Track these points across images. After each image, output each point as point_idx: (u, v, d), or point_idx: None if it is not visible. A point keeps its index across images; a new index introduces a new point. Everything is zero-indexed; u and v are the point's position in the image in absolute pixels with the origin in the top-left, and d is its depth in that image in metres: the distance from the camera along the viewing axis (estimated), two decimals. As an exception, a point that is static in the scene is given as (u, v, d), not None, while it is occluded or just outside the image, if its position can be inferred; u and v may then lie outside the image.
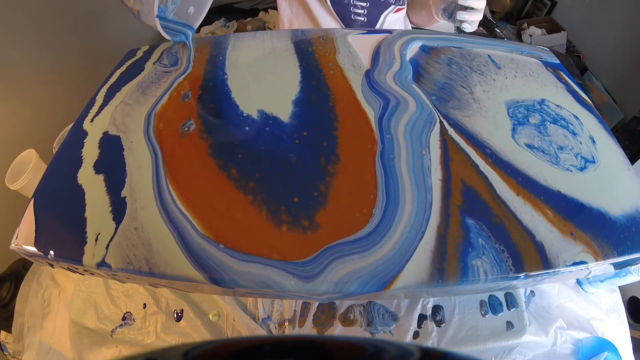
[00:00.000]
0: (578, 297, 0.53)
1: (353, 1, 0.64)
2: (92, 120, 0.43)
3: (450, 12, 0.55)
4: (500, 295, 0.49)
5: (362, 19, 0.66)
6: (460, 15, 0.53)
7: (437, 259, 0.31)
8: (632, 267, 0.42)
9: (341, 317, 0.48)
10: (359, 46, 0.50)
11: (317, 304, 0.50)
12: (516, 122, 0.41)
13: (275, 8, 0.74)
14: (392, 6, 0.65)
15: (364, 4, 0.64)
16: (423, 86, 0.45)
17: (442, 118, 0.41)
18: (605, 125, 0.43)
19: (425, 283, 0.30)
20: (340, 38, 0.52)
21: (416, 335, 0.47)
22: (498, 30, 1.52)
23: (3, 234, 0.45)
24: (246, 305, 0.50)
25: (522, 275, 0.31)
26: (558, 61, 0.52)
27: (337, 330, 0.48)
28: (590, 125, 0.43)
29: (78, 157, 0.39)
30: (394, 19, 0.68)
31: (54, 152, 0.44)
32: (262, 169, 0.36)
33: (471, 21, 0.53)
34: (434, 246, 0.31)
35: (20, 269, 0.64)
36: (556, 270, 0.31)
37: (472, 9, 0.52)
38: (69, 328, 0.51)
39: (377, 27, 0.67)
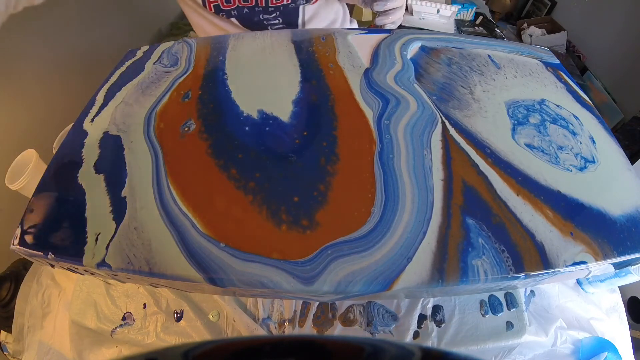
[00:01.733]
0: (578, 297, 0.53)
1: (263, 16, 0.64)
2: (92, 120, 0.43)
3: (370, 4, 0.55)
4: (500, 295, 0.49)
5: (281, 26, 0.67)
6: (380, 20, 0.53)
7: (437, 259, 0.31)
8: (632, 267, 0.42)
9: (341, 317, 0.48)
10: (359, 46, 0.50)
11: (317, 304, 0.50)
12: (516, 122, 0.41)
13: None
14: (302, 5, 0.65)
15: (274, 15, 0.65)
16: (423, 86, 0.45)
17: (443, 118, 0.41)
18: (605, 125, 0.43)
19: (426, 283, 0.30)
20: (340, 38, 0.52)
21: (416, 335, 0.47)
22: (498, 30, 1.52)
23: (3, 234, 0.46)
24: (246, 305, 0.50)
25: (522, 275, 0.31)
26: (558, 61, 0.52)
27: (337, 330, 0.48)
28: (590, 125, 0.43)
29: (78, 157, 0.39)
30: (314, 9, 0.67)
31: (54, 152, 0.44)
32: (262, 169, 0.36)
33: (391, 23, 0.54)
34: (435, 246, 0.31)
35: (20, 269, 0.64)
36: (556, 270, 0.31)
37: (391, 10, 0.52)
38: (69, 328, 0.51)
39: (300, 26, 0.67)
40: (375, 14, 0.55)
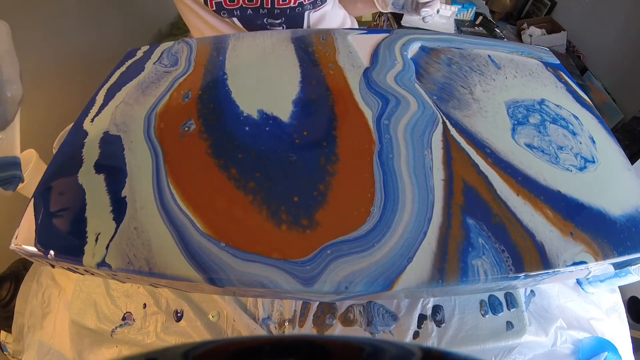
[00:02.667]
0: (578, 297, 0.53)
1: (267, 20, 0.63)
2: (92, 120, 0.43)
3: (401, 4, 0.60)
4: (500, 295, 0.49)
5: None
6: (425, 12, 0.58)
7: (438, 259, 0.31)
8: (632, 267, 0.42)
9: (341, 317, 0.48)
10: (359, 46, 0.50)
11: (317, 303, 0.50)
12: (516, 122, 0.41)
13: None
14: (308, 11, 0.64)
15: (279, 21, 0.64)
16: (424, 86, 0.45)
17: (444, 118, 0.41)
18: (605, 125, 0.43)
19: (426, 283, 0.30)
20: (340, 38, 0.52)
21: (416, 335, 0.47)
22: (498, 31, 1.52)
23: (3, 234, 0.45)
24: (246, 305, 0.50)
25: (522, 275, 0.31)
26: (558, 61, 0.52)
27: (337, 330, 0.48)
28: (590, 125, 0.43)
29: (78, 157, 0.39)
30: (319, 16, 0.67)
31: (54, 152, 0.44)
32: (262, 169, 0.36)
33: (432, 13, 0.58)
34: (435, 247, 0.31)
35: (20, 269, 0.64)
36: (556, 270, 0.31)
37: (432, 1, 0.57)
38: (69, 328, 0.51)
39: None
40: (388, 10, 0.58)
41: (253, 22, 0.63)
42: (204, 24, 0.66)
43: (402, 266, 0.30)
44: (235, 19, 0.63)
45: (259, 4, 0.61)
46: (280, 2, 0.61)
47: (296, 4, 0.62)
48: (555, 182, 0.36)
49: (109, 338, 0.49)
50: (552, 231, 0.33)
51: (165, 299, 0.51)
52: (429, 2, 0.57)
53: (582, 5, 1.68)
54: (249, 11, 0.62)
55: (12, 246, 0.34)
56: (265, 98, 0.43)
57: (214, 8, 0.61)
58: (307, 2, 0.62)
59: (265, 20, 0.63)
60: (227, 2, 0.60)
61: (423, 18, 0.59)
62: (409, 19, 1.40)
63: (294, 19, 0.64)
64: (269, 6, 0.61)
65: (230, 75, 0.46)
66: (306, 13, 0.64)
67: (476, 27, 1.52)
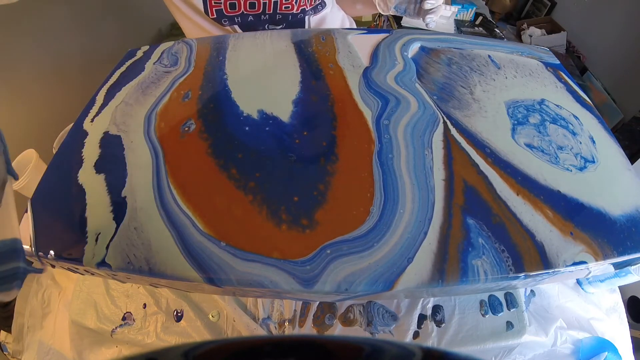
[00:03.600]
0: (578, 297, 0.53)
1: (268, 26, 0.63)
2: (92, 120, 0.43)
3: (404, 9, 0.60)
4: (500, 295, 0.49)
5: None
6: (430, 19, 0.58)
7: (438, 259, 0.31)
8: (632, 267, 0.42)
9: (341, 317, 0.48)
10: (359, 46, 0.50)
11: (317, 303, 0.50)
12: (516, 122, 0.41)
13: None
14: (309, 15, 0.64)
15: (281, 26, 0.63)
16: (424, 86, 0.45)
17: (445, 118, 0.41)
18: (605, 125, 0.43)
19: (426, 283, 0.30)
20: (340, 38, 0.52)
21: (416, 335, 0.47)
22: (498, 31, 1.52)
23: (3, 234, 0.45)
24: (246, 305, 0.50)
25: (522, 275, 0.31)
26: (558, 62, 0.52)
27: (337, 330, 0.48)
28: (590, 125, 0.43)
29: (78, 157, 0.39)
30: (319, 19, 0.67)
31: (54, 152, 0.44)
32: (262, 169, 0.36)
33: (436, 19, 0.59)
34: (436, 247, 0.31)
35: (20, 269, 0.64)
36: (556, 270, 0.31)
37: (436, 8, 0.57)
38: (69, 328, 0.51)
39: None
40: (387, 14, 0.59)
41: (254, 28, 0.63)
42: (202, 32, 0.64)
43: (403, 266, 0.30)
44: (236, 26, 0.62)
45: (260, 11, 0.60)
46: (283, 9, 0.60)
47: (299, 10, 0.61)
48: (555, 182, 0.36)
49: (109, 338, 0.49)
50: (552, 231, 0.33)
51: (165, 299, 0.51)
52: (433, 9, 0.58)
53: (582, 5, 1.68)
54: (250, 18, 0.61)
55: (12, 246, 0.34)
56: (265, 98, 0.43)
57: (215, 16, 0.60)
58: (309, 7, 0.62)
59: (266, 26, 0.63)
60: (228, 10, 0.59)
61: (427, 24, 0.59)
62: (409, 19, 1.40)
63: (295, 24, 0.63)
64: (271, 12, 0.60)
65: (230, 75, 0.46)
66: (307, 17, 0.64)
67: (476, 28, 1.52)
